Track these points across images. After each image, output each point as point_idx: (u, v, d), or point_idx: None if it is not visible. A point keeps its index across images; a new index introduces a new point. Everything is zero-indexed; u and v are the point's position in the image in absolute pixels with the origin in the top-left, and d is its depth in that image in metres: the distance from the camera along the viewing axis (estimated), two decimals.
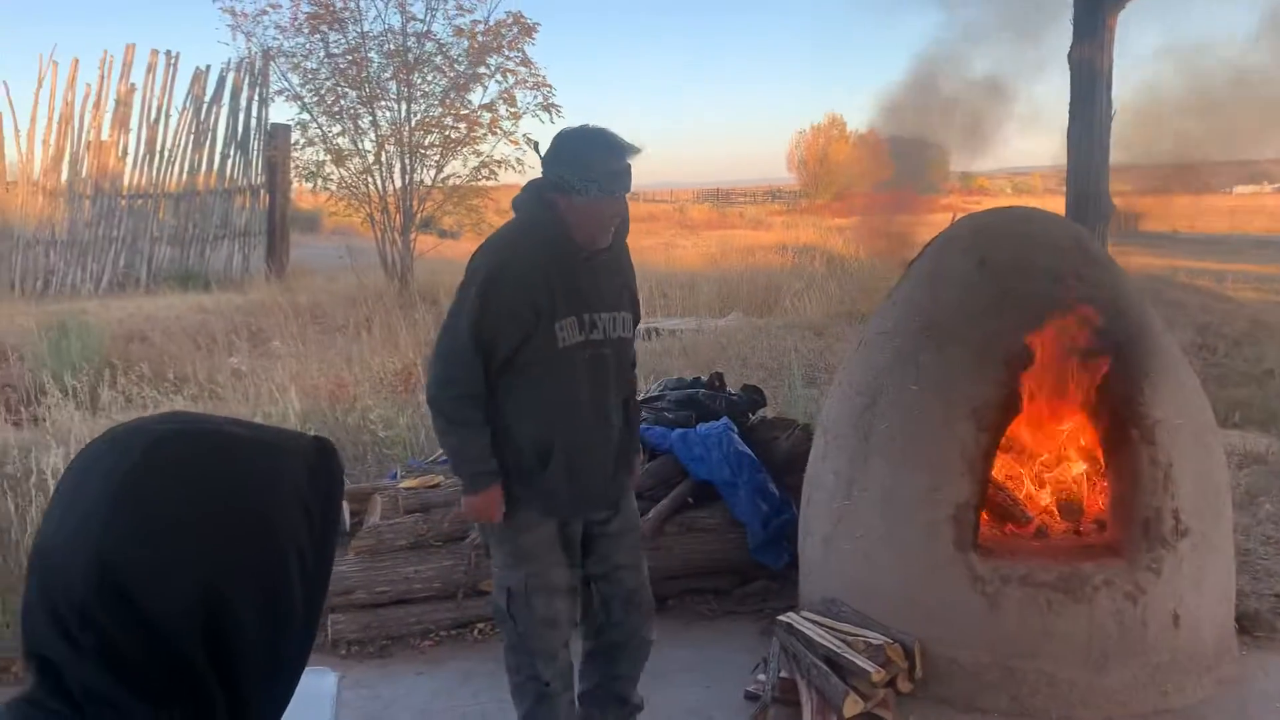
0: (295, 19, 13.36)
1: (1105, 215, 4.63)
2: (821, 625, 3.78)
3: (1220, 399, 8.28)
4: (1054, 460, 4.14)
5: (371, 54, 13.41)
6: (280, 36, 13.86)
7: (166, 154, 15.65)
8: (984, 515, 3.87)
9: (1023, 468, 4.16)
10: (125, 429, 0.89)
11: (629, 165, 2.95)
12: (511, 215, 3.21)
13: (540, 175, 3.06)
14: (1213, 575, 3.74)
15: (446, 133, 13.35)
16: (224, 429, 0.90)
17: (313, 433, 1.00)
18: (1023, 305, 3.70)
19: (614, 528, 3.24)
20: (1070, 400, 3.70)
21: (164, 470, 0.84)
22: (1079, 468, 4.10)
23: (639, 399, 3.52)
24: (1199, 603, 3.68)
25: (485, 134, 13.45)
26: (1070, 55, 4.75)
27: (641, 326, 13.72)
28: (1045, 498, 4.07)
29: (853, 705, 3.46)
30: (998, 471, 4.09)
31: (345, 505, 5.06)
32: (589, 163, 2.90)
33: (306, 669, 0.92)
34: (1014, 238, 3.97)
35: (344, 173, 13.55)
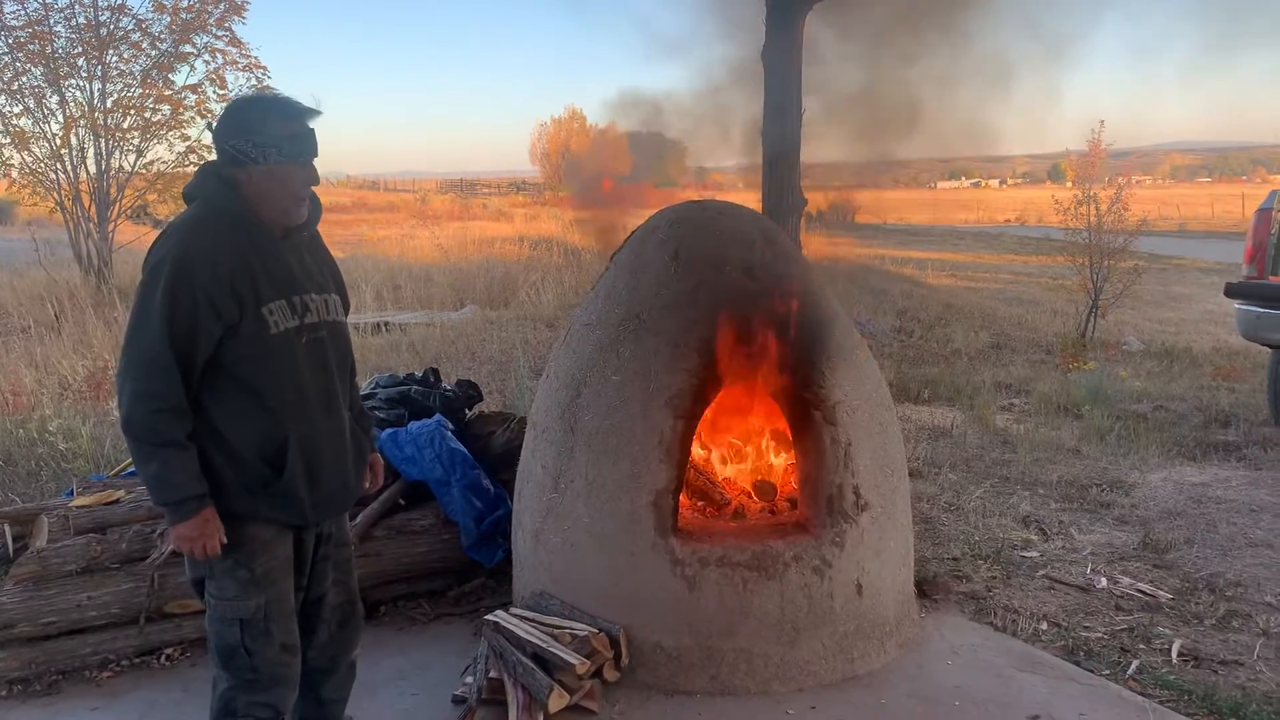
0: None
1: (797, 208, 4.89)
2: (529, 621, 3.74)
3: (913, 377, 9.03)
4: (751, 442, 4.30)
5: (58, 28, 12.17)
6: None
7: None
8: (685, 500, 3.97)
9: (722, 451, 4.29)
10: None
11: (310, 129, 2.72)
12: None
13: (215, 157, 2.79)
14: (892, 544, 3.99)
15: (147, 115, 12.31)
16: None
17: None
18: (714, 296, 3.80)
19: (331, 544, 3.04)
20: (760, 386, 3.85)
21: None
22: (774, 449, 4.28)
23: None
24: (880, 572, 3.92)
25: (192, 117, 12.53)
26: (764, 55, 4.98)
27: (372, 319, 13.21)
28: (743, 479, 4.22)
29: (558, 699, 3.44)
30: (700, 456, 4.21)
31: (7, 530, 4.53)
32: (263, 128, 2.67)
33: None
34: (707, 230, 4.07)
35: (27, 157, 12.21)
